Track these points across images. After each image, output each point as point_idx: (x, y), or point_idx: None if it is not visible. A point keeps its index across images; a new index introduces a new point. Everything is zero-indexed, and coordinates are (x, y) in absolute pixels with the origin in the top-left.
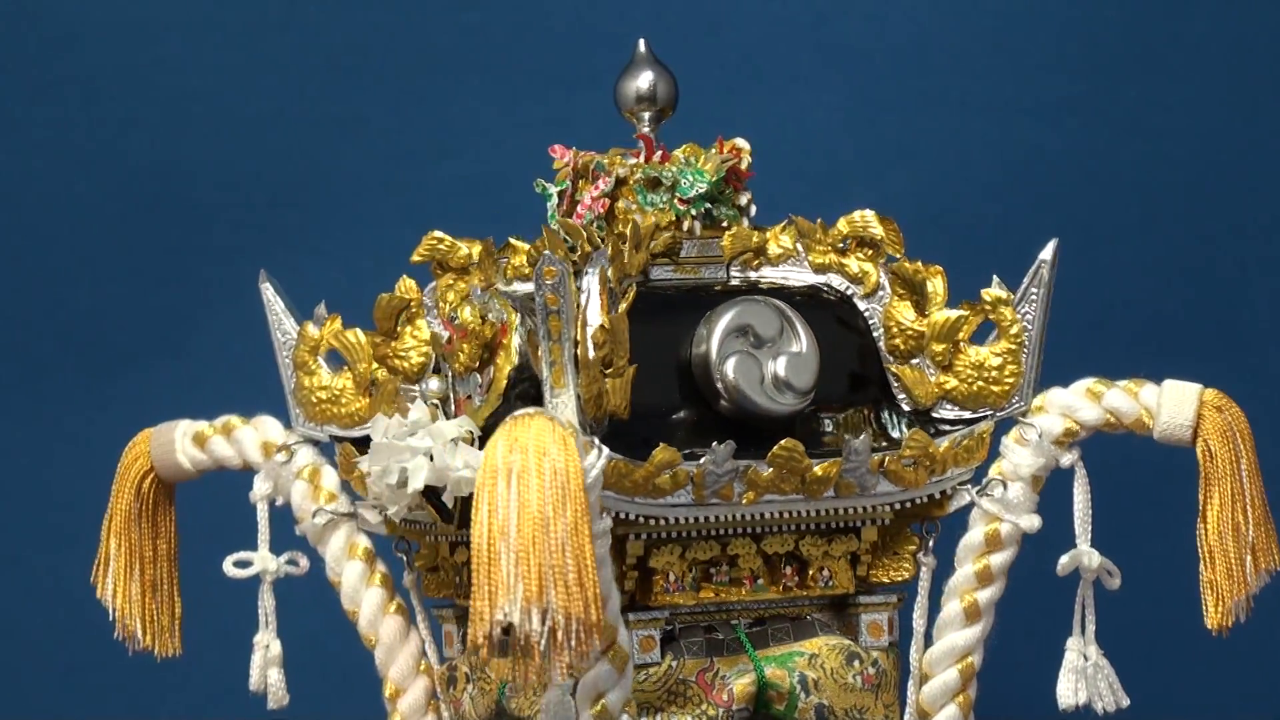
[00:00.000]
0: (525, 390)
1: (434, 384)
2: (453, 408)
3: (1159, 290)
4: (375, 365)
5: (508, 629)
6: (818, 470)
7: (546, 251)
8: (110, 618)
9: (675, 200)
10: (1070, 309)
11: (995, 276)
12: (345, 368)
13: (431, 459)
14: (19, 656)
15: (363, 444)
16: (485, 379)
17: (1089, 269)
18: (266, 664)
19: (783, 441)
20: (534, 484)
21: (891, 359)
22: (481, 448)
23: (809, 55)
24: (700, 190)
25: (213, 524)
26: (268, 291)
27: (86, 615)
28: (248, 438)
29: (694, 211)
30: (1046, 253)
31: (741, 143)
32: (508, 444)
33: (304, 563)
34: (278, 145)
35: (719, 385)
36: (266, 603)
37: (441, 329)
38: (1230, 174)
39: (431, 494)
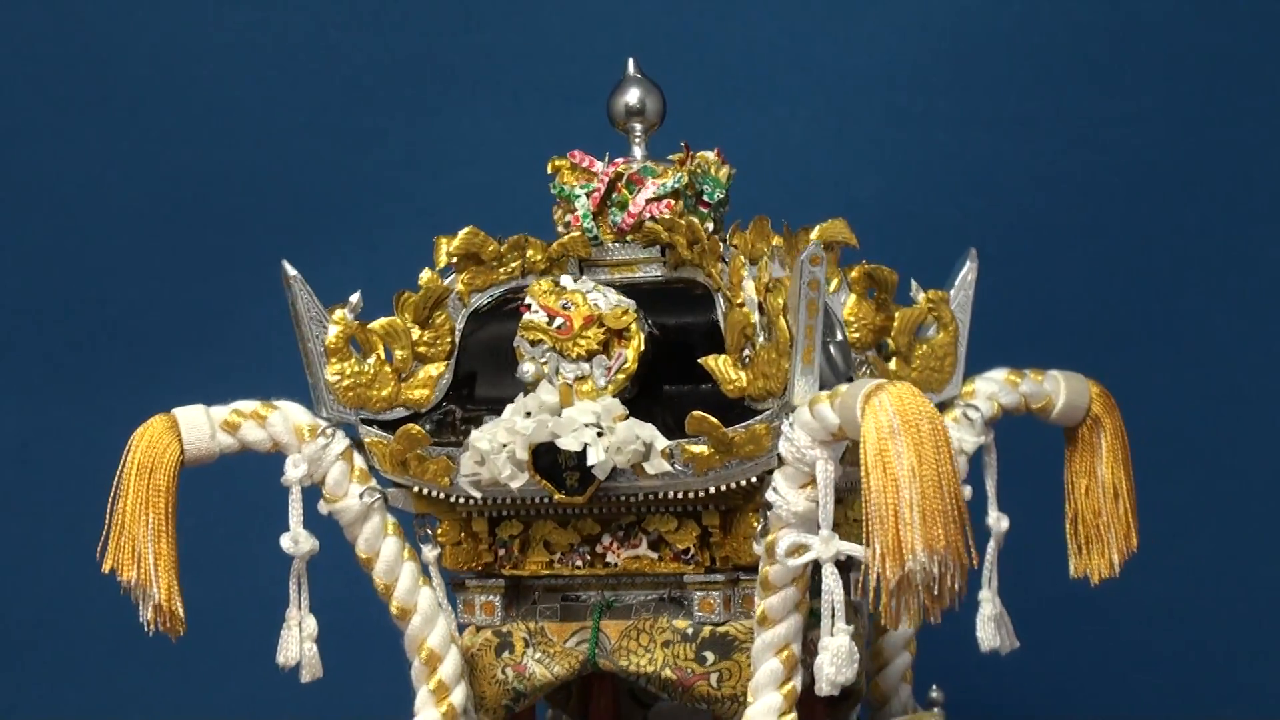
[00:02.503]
0: (633, 373)
1: (530, 368)
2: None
3: (1102, 286)
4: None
5: None
6: None
7: (814, 240)
8: (152, 602)
9: (699, 205)
10: (1020, 304)
11: (914, 281)
12: (373, 354)
13: (600, 433)
14: (64, 629)
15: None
16: (615, 362)
17: (1038, 268)
18: (303, 638)
19: None
20: (927, 440)
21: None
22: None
23: (786, 74)
24: (720, 196)
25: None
26: (297, 280)
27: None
28: (280, 422)
29: (713, 216)
30: (972, 259)
31: (711, 155)
32: (896, 407)
33: (315, 542)
34: (304, 155)
35: None
36: (301, 580)
37: (543, 315)
38: (1167, 181)
39: (549, 466)
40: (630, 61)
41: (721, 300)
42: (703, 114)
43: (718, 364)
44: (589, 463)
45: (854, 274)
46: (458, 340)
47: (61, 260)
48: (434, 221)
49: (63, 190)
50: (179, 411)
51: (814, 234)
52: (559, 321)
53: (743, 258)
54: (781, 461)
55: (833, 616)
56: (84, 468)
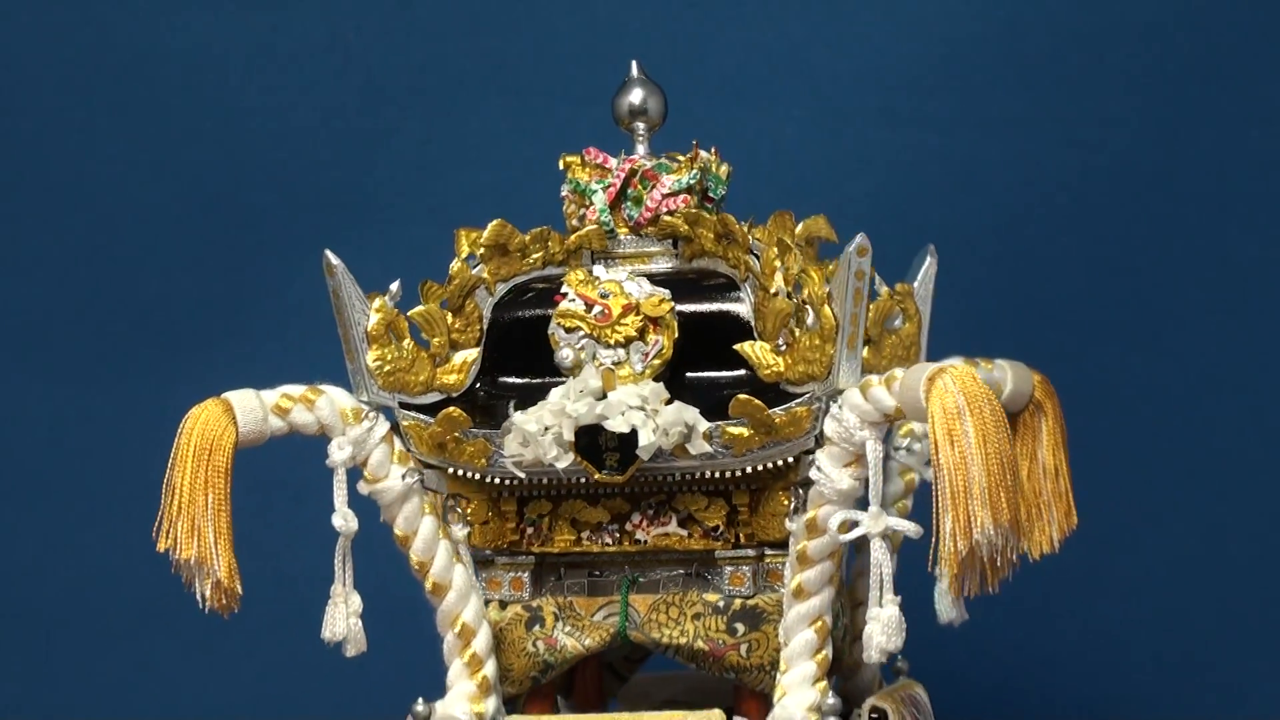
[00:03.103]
0: (669, 359)
1: (569, 353)
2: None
3: (1085, 281)
4: (445, 338)
5: None
6: None
7: (861, 234)
8: (212, 580)
9: (704, 201)
10: (1006, 298)
11: (877, 276)
12: (407, 340)
13: (649, 416)
14: (91, 605)
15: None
16: (651, 348)
17: (1022, 265)
18: (348, 614)
19: None
20: (989, 420)
21: None
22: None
23: (782, 77)
24: (722, 193)
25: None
26: (340, 269)
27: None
28: (327, 406)
29: (715, 211)
30: (932, 254)
31: (706, 154)
32: (961, 388)
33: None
34: (322, 154)
35: None
36: (346, 557)
37: (580, 304)
38: (1148, 181)
39: (588, 447)
40: (634, 63)
41: (752, 290)
42: (702, 114)
43: (754, 350)
44: (640, 444)
45: (831, 268)
46: (485, 328)
47: (91, 255)
48: (445, 217)
49: (92, 188)
50: (231, 395)
51: (797, 230)
52: (597, 309)
53: (775, 250)
54: (825, 442)
55: (881, 588)
56: (111, 453)
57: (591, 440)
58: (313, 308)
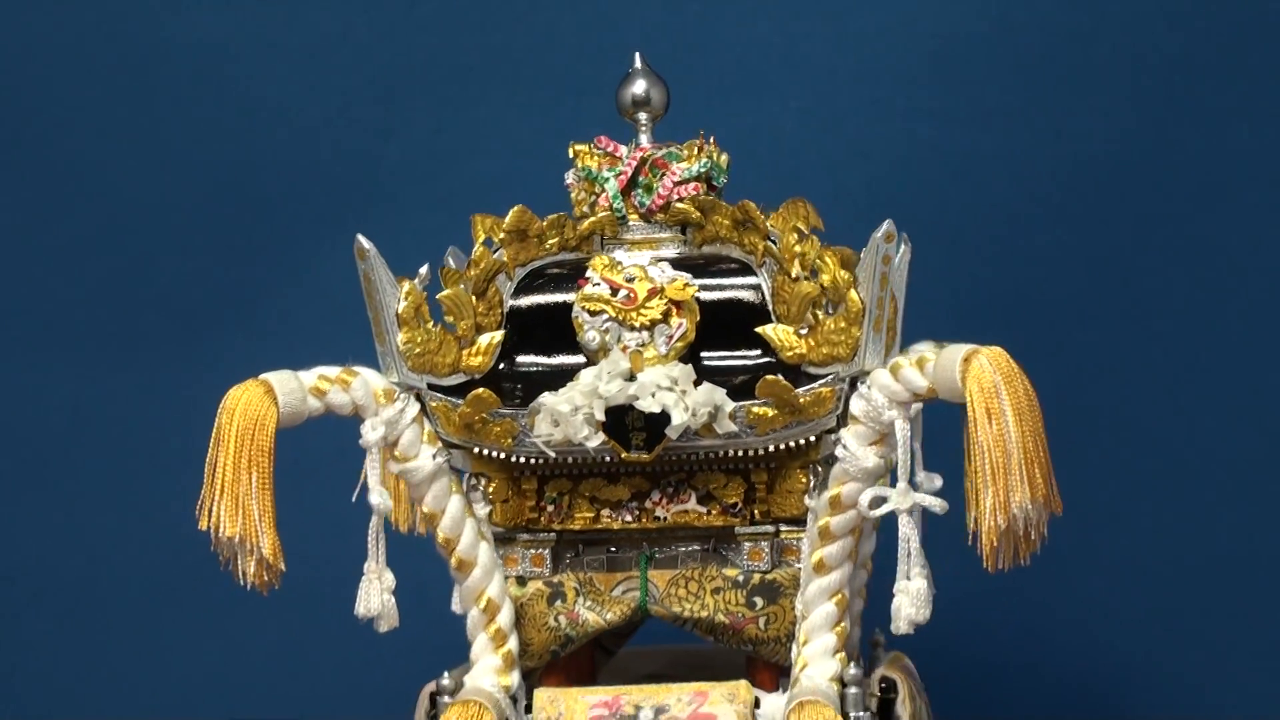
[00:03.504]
0: (691, 341)
1: (595, 336)
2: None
3: (1076, 272)
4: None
5: None
6: None
7: (889, 221)
8: (256, 556)
9: (709, 190)
10: (998, 287)
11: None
12: (431, 323)
13: (680, 397)
14: (115, 580)
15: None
16: (675, 331)
17: (1014, 254)
18: (382, 589)
19: None
20: (1023, 398)
21: None
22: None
23: (779, 70)
24: (724, 181)
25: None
26: (372, 252)
27: (181, 541)
28: (361, 387)
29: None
30: (906, 243)
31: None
32: (996, 367)
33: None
34: (334, 146)
35: None
36: (379, 535)
37: (605, 288)
38: (1134, 172)
39: (614, 427)
40: (636, 55)
41: (770, 274)
42: (701, 105)
43: (776, 332)
44: (673, 423)
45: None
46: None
47: (109, 243)
48: (454, 205)
49: (110, 178)
50: (271, 377)
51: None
52: (623, 293)
53: (793, 235)
54: (849, 421)
55: (909, 562)
56: (131, 433)
57: (618, 420)
58: (325, 295)
